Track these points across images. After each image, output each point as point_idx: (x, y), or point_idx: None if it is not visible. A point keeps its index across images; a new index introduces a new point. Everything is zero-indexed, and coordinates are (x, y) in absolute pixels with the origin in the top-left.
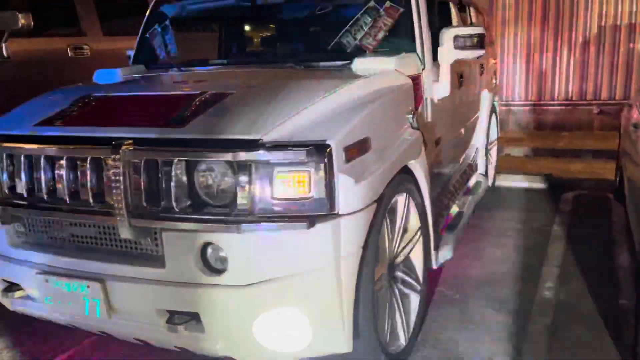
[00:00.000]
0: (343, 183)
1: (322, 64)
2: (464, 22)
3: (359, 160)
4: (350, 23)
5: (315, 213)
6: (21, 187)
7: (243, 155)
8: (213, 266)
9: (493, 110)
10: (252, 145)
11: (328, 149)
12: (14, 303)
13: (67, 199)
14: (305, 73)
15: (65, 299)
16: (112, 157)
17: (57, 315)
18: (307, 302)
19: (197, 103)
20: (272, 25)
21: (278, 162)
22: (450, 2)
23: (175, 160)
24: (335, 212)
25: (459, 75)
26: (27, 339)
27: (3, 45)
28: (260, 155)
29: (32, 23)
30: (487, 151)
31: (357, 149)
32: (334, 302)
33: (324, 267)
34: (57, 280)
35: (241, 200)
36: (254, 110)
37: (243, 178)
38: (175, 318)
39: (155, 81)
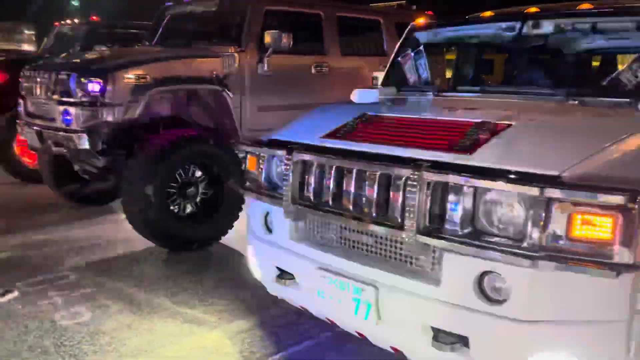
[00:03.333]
0: None
1: (597, 99)
2: None
3: None
4: (633, 60)
5: (615, 261)
6: (309, 190)
7: (547, 191)
8: (488, 295)
9: None
10: (552, 181)
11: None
12: (277, 289)
13: (351, 207)
14: (585, 109)
15: (337, 296)
16: (411, 176)
17: (320, 309)
18: (589, 352)
19: (480, 131)
20: (531, 55)
21: (579, 201)
22: None
23: (466, 186)
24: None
25: None
26: (270, 322)
27: (266, 60)
28: (562, 192)
29: (292, 42)
30: None
31: None
32: (620, 359)
33: (616, 320)
34: (333, 278)
35: (532, 234)
36: (545, 144)
37: (536, 212)
38: (440, 336)
39: (421, 105)
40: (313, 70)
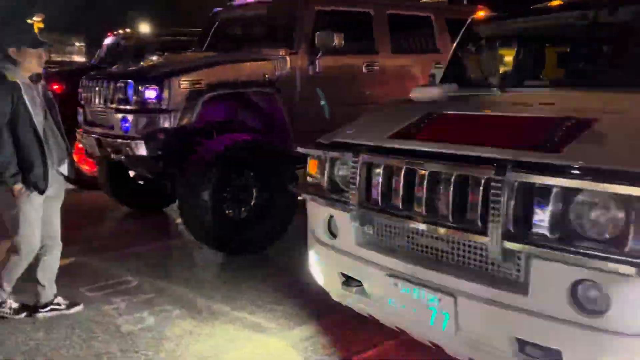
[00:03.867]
0: None
1: None
2: None
3: None
4: None
5: None
6: (377, 193)
7: None
8: (584, 305)
9: None
10: None
11: None
12: (342, 295)
13: (424, 211)
14: None
15: (411, 305)
16: (494, 177)
17: (390, 317)
18: None
19: (564, 128)
20: (605, 45)
21: None
22: None
23: (556, 187)
24: None
25: None
26: (332, 329)
27: (317, 61)
28: None
29: (343, 43)
30: None
31: None
32: None
33: None
34: (406, 286)
35: (637, 239)
36: (636, 139)
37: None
38: (527, 349)
39: (489, 101)
40: (364, 70)
